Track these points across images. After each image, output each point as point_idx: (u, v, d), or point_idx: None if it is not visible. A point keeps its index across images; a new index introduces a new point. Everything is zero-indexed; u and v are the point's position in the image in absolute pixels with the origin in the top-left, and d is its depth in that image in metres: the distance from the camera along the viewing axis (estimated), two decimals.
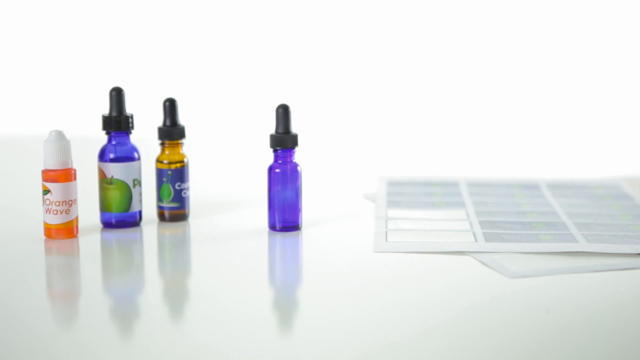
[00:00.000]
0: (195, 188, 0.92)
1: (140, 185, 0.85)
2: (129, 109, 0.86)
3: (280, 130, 0.83)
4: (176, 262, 0.81)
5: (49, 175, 0.81)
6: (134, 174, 0.85)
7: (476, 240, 0.81)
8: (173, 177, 0.87)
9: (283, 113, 0.83)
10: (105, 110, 0.85)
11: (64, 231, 0.81)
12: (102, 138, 0.86)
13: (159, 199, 0.87)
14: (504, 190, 1.01)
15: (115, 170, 0.84)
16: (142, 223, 0.87)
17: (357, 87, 2.28)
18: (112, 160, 0.84)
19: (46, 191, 0.81)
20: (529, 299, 0.69)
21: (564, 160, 1.32)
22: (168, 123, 0.87)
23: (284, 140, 0.83)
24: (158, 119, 0.88)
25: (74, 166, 0.82)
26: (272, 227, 0.85)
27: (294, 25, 1.51)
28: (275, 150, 0.84)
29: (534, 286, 0.71)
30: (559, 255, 0.77)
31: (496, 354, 0.60)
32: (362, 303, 0.68)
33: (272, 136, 0.83)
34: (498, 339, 0.62)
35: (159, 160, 0.87)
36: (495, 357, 0.60)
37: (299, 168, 0.84)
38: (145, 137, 0.96)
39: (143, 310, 0.68)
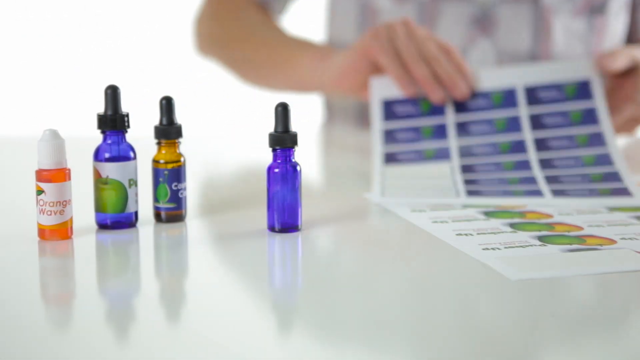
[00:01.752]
0: (193, 188, 0.92)
1: (136, 185, 0.85)
2: (124, 107, 0.86)
3: (280, 129, 0.83)
4: (173, 263, 0.81)
5: (42, 175, 0.81)
6: (130, 174, 0.85)
7: (459, 196, 0.97)
8: (170, 177, 0.86)
9: (282, 111, 0.83)
10: (101, 109, 0.85)
11: (58, 232, 0.81)
12: (97, 137, 0.86)
13: (156, 199, 0.87)
14: (486, 127, 1.11)
15: (111, 170, 0.84)
16: (138, 224, 0.86)
17: None
18: (107, 160, 0.84)
19: (40, 191, 0.81)
20: (532, 302, 0.69)
21: None
22: (164, 122, 0.87)
23: (283, 140, 0.83)
24: (155, 118, 0.88)
25: (69, 166, 0.82)
26: (271, 228, 0.85)
27: (294, 24, 1.51)
28: (274, 150, 0.83)
29: (538, 288, 0.71)
30: (563, 257, 0.77)
31: (499, 356, 0.60)
32: (362, 305, 0.68)
33: (271, 135, 0.83)
34: (501, 341, 0.62)
35: (155, 160, 0.87)
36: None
37: (298, 168, 0.84)
38: (141, 136, 0.95)
39: (139, 313, 0.68)
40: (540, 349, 0.60)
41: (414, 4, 1.33)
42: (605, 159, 1.05)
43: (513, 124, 1.10)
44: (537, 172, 1.03)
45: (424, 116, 1.12)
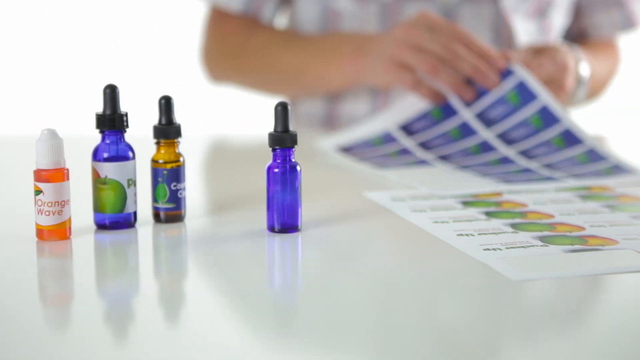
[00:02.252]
0: (192, 188, 0.92)
1: (135, 185, 0.85)
2: (123, 107, 0.85)
3: (279, 129, 0.83)
4: (172, 264, 0.80)
5: (41, 175, 0.80)
6: (129, 174, 0.84)
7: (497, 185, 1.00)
8: (169, 177, 0.86)
9: (282, 111, 0.83)
10: (99, 108, 0.85)
11: (57, 232, 0.81)
12: (96, 137, 0.85)
13: (154, 199, 0.87)
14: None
15: (109, 170, 0.84)
16: (137, 224, 0.86)
17: None
18: (106, 160, 0.84)
19: (38, 191, 0.80)
20: (533, 303, 0.69)
21: None
22: (164, 121, 0.87)
23: (283, 139, 0.83)
24: (154, 118, 0.88)
25: (67, 166, 0.81)
26: (271, 228, 0.84)
27: None
28: (274, 150, 0.83)
29: (539, 289, 0.71)
30: (565, 258, 0.77)
31: (501, 356, 0.60)
32: (362, 305, 0.68)
33: (270, 135, 0.83)
34: (502, 342, 0.62)
35: (154, 160, 0.87)
36: None
37: (298, 168, 0.84)
38: (140, 135, 0.95)
39: (138, 314, 0.68)
40: (543, 350, 0.60)
41: (376, 5, 1.34)
42: (571, 138, 1.10)
43: (465, 129, 1.14)
44: (527, 163, 1.08)
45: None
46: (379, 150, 1.16)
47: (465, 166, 1.09)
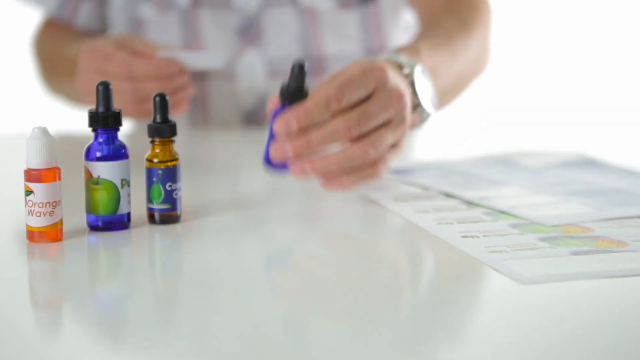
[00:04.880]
0: (188, 189, 0.92)
1: (128, 185, 0.85)
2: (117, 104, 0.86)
3: (294, 85, 0.87)
4: (167, 266, 0.81)
5: (31, 175, 0.81)
6: (122, 174, 0.85)
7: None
8: (164, 176, 0.86)
9: (299, 70, 0.86)
10: (92, 106, 0.85)
11: (48, 234, 0.81)
12: (89, 135, 0.86)
13: (149, 200, 0.87)
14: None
15: (102, 169, 0.84)
16: (131, 225, 0.86)
17: None
18: (98, 159, 0.84)
19: (29, 192, 0.81)
20: (543, 306, 0.69)
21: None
22: (158, 120, 0.87)
23: (295, 95, 0.87)
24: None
25: (59, 165, 0.82)
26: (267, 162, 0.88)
27: None
28: (282, 104, 0.87)
29: (548, 292, 0.71)
30: (572, 260, 0.77)
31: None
32: (364, 307, 0.68)
33: (283, 86, 0.87)
34: (507, 345, 0.62)
35: (148, 159, 0.87)
36: None
37: None
38: (134, 134, 0.95)
39: (132, 317, 0.68)
40: (548, 353, 0.61)
41: (175, 14, 1.32)
42: None
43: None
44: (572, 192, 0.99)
45: None
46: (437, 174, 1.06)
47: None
